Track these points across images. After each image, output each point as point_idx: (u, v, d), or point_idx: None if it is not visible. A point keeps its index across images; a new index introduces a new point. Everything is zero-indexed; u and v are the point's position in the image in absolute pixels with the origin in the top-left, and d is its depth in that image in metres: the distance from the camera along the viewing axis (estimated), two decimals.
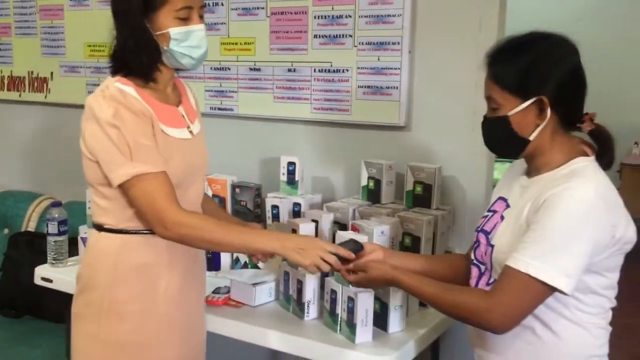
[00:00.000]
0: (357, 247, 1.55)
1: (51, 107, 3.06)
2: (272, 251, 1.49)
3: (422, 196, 2.04)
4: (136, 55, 1.48)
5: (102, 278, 1.53)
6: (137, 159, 1.42)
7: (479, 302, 1.30)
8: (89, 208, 2.25)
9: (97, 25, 2.77)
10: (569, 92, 1.32)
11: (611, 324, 1.39)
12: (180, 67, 1.57)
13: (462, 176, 2.09)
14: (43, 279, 2.17)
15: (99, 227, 1.55)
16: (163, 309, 1.56)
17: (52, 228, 2.18)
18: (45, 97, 3.04)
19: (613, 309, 1.39)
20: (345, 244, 1.57)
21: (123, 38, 1.49)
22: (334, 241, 1.69)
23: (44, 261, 2.23)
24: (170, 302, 1.57)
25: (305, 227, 1.81)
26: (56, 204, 2.21)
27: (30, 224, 2.95)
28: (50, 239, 2.19)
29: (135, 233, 1.52)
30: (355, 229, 1.82)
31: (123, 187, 1.45)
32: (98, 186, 1.52)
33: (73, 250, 2.25)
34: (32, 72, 3.07)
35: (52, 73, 3.00)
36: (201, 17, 1.53)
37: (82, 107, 2.85)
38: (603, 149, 1.37)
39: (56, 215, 2.18)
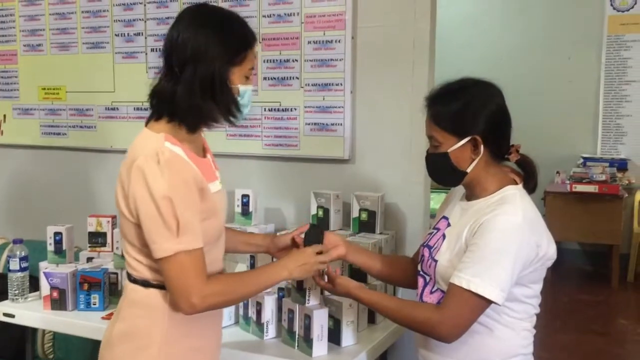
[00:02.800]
0: (319, 232, 1.72)
1: (4, 148, 3.11)
2: (283, 280, 1.61)
3: (367, 222, 2.24)
4: (212, 104, 1.44)
5: (159, 334, 1.47)
6: (182, 234, 1.37)
7: (431, 316, 1.50)
8: (50, 244, 2.33)
9: (52, 69, 2.92)
10: (497, 130, 1.54)
11: (535, 327, 1.60)
12: (219, 123, 1.52)
13: (403, 202, 2.30)
14: (5, 314, 2.22)
15: (145, 283, 1.48)
16: (213, 353, 1.62)
17: (14, 265, 2.23)
18: None
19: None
20: (310, 233, 1.71)
21: (201, 85, 1.41)
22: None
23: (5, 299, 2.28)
24: (215, 354, 1.63)
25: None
26: (17, 241, 2.27)
27: None
28: (11, 275, 2.24)
29: None
30: None
31: (160, 260, 1.40)
32: (142, 247, 1.45)
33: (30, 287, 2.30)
34: None
35: (5, 115, 3.07)
36: None
37: (35, 147, 2.99)
38: (528, 175, 1.60)
39: (17, 252, 2.24)
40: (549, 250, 1.52)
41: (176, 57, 1.42)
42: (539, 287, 1.56)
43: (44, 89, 2.96)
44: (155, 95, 1.48)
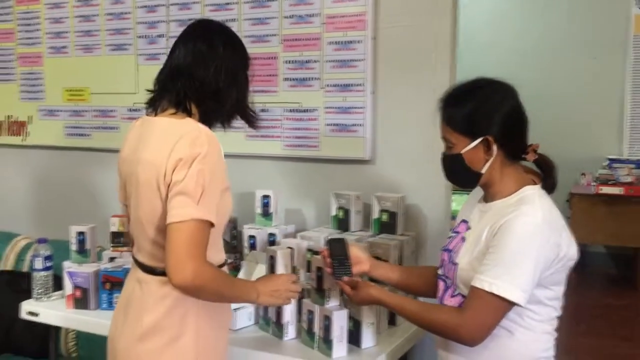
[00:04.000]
0: (343, 245, 1.74)
1: (29, 149, 3.16)
2: (251, 302, 1.68)
3: (388, 223, 2.23)
4: (239, 106, 1.60)
5: (193, 320, 1.53)
6: (202, 203, 1.42)
7: (452, 320, 1.48)
8: (73, 244, 2.35)
9: (76, 71, 2.96)
10: (510, 130, 1.52)
11: (557, 330, 1.57)
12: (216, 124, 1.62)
13: (424, 204, 2.28)
14: (29, 313, 2.25)
15: None
16: (228, 337, 1.69)
17: (38, 263, 2.27)
18: (23, 140, 3.15)
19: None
20: (334, 247, 1.73)
21: (230, 88, 1.56)
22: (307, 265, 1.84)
23: (23, 299, 2.30)
24: (228, 327, 1.70)
25: (282, 254, 1.95)
26: (42, 241, 2.30)
27: (8, 264, 3.02)
28: (35, 274, 2.27)
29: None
30: None
31: (172, 224, 1.42)
32: None
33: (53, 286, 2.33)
34: (10, 116, 3.18)
35: (30, 117, 3.11)
36: None
37: (60, 148, 3.02)
38: (546, 175, 1.58)
39: (42, 252, 2.27)
40: (570, 251, 1.50)
41: (212, 66, 1.54)
42: (560, 289, 1.54)
43: (69, 90, 2.99)
44: (182, 93, 1.54)
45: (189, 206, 1.41)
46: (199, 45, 1.55)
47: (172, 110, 1.55)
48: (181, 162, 1.43)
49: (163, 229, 1.46)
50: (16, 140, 3.17)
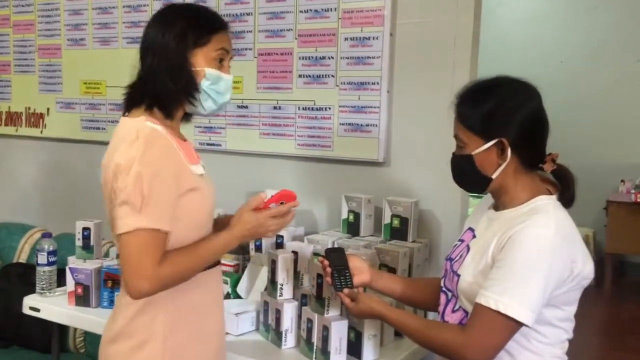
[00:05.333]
0: (342, 255, 1.64)
1: (46, 141, 3.15)
2: (233, 247, 1.54)
3: (399, 229, 2.12)
4: (171, 87, 1.45)
5: (161, 326, 1.47)
6: (145, 211, 1.35)
7: (455, 339, 1.36)
8: (78, 240, 2.31)
9: (93, 64, 2.93)
10: (528, 136, 1.40)
11: (568, 353, 1.45)
12: (195, 111, 1.55)
13: (438, 210, 2.16)
14: (31, 308, 2.22)
15: None
16: (214, 345, 1.60)
17: (42, 259, 2.23)
18: (41, 132, 3.14)
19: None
20: (333, 257, 1.63)
21: (158, 69, 1.45)
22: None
23: (33, 292, 2.27)
24: (219, 339, 1.62)
25: (283, 259, 1.86)
26: (47, 235, 2.27)
27: (22, 256, 3.02)
28: (39, 269, 2.24)
29: None
30: None
31: (119, 235, 1.38)
32: None
33: (61, 281, 2.31)
34: (29, 108, 3.18)
35: (48, 109, 3.10)
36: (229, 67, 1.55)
37: (76, 141, 3.00)
38: (565, 188, 1.45)
39: (46, 246, 2.24)
40: (585, 268, 1.37)
41: (141, 49, 1.49)
42: (572, 309, 1.41)
43: (86, 83, 2.97)
44: (128, 87, 1.53)
45: (130, 216, 1.35)
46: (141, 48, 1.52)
47: (130, 107, 1.53)
48: (120, 167, 1.38)
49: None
50: (34, 132, 3.17)
